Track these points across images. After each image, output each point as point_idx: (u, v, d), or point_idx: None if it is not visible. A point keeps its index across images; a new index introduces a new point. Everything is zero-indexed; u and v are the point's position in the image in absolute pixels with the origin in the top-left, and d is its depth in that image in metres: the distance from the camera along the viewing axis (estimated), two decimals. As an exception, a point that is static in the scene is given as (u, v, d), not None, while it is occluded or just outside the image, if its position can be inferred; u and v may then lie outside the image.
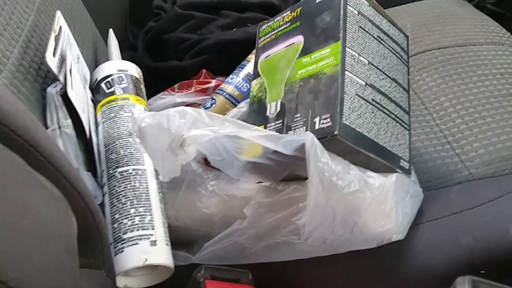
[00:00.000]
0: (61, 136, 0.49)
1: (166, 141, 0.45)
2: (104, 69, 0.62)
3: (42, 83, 0.52)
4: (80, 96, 0.55)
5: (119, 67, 0.62)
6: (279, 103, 0.49)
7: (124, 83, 0.61)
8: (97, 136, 0.58)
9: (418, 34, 0.79)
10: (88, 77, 0.62)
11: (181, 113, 0.45)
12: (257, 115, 0.51)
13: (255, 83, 0.54)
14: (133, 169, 0.53)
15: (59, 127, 0.49)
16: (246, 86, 0.61)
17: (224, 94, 0.60)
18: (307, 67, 0.47)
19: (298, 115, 0.46)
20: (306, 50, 0.49)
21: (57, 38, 0.51)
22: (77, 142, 0.52)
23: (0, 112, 0.30)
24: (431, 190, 0.57)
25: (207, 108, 0.60)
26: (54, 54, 0.50)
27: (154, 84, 0.72)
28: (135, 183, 0.52)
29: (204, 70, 0.67)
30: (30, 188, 0.30)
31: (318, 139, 0.42)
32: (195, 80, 0.66)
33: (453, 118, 0.64)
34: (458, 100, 0.66)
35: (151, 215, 0.51)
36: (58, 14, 0.52)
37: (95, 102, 0.61)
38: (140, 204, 0.51)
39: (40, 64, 0.53)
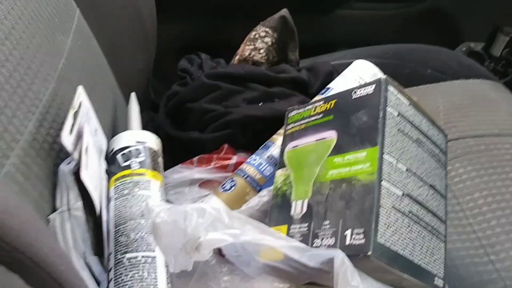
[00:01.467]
0: (70, 219, 0.46)
1: (181, 241, 0.41)
2: (122, 140, 0.59)
3: (55, 158, 0.49)
4: (94, 173, 0.52)
5: (138, 139, 0.59)
6: (305, 203, 0.45)
7: (142, 156, 0.58)
8: (107, 213, 0.55)
9: (452, 119, 0.76)
10: (104, 147, 0.59)
11: (199, 212, 0.41)
12: (281, 211, 0.47)
13: (280, 173, 0.50)
14: (143, 256, 0.50)
15: (69, 209, 0.46)
16: (269, 169, 0.57)
17: (245, 176, 0.57)
18: (339, 169, 0.44)
19: (327, 222, 0.42)
20: (338, 149, 0.45)
21: (75, 115, 0.48)
22: (85, 223, 0.49)
23: (2, 227, 0.27)
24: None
25: (227, 190, 0.56)
26: (71, 131, 0.47)
27: (172, 153, 0.70)
28: (143, 272, 0.49)
29: (226, 145, 0.64)
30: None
31: (349, 256, 0.38)
32: (215, 155, 0.63)
33: (487, 219, 0.60)
34: (493, 198, 0.62)
35: (158, 310, 0.47)
36: (80, 90, 0.50)
37: (109, 173, 0.58)
38: (147, 298, 0.47)
39: (55, 137, 0.50)
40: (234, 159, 0.62)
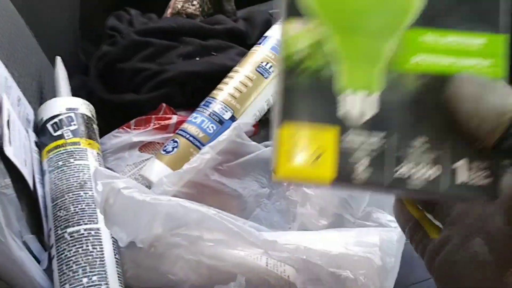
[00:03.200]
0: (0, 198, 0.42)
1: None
2: (51, 108, 0.55)
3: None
4: (21, 147, 0.48)
5: (68, 105, 0.55)
6: (375, 100, 0.27)
7: (74, 125, 0.54)
8: (43, 187, 0.51)
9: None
10: (31, 117, 0.55)
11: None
12: (314, 101, 0.26)
13: (295, 29, 0.26)
14: (85, 229, 0.47)
15: None
16: (212, 127, 0.55)
17: (187, 136, 0.54)
18: (434, 55, 0.27)
19: (422, 139, 0.26)
20: (429, 19, 0.27)
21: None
22: (18, 202, 0.45)
23: None
24: None
25: (169, 152, 0.54)
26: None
27: (107, 117, 0.66)
28: (87, 246, 0.46)
29: (164, 105, 0.61)
30: None
31: (462, 199, 0.27)
32: (153, 116, 0.60)
33: None
34: None
35: (106, 284, 0.45)
36: None
37: (40, 145, 0.54)
38: (93, 271, 0.45)
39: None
40: (174, 119, 0.59)
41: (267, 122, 0.62)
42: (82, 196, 0.49)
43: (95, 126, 0.57)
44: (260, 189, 0.52)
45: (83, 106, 0.56)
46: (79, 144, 0.53)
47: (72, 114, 0.55)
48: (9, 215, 0.44)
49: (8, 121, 0.44)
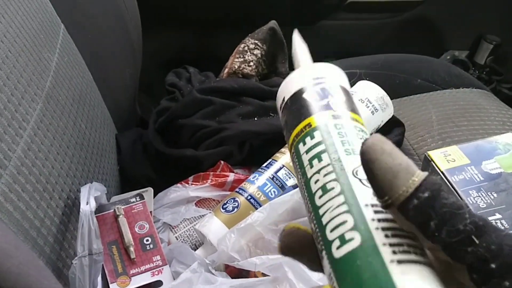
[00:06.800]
0: (90, 263, 0.41)
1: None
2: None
3: (44, 184, 0.46)
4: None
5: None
6: None
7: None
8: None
9: (445, 129, 0.75)
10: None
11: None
12: None
13: None
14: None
15: (89, 254, 0.41)
16: (274, 192, 0.54)
17: (248, 196, 0.54)
18: None
19: None
20: None
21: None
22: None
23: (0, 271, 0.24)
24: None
25: (229, 212, 0.54)
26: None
27: (164, 170, 0.67)
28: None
29: (222, 162, 0.61)
30: None
31: None
32: (211, 173, 0.60)
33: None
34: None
35: None
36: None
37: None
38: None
39: (45, 160, 0.47)
40: (232, 177, 0.60)
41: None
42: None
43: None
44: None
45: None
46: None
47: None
48: (95, 281, 0.43)
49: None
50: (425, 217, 0.18)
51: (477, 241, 0.18)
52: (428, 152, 0.54)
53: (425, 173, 0.19)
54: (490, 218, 0.46)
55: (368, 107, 0.62)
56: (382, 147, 0.19)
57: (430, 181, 0.19)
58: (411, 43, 1.18)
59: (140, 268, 0.44)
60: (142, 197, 0.52)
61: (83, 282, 0.39)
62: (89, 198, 0.44)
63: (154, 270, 0.44)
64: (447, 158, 0.52)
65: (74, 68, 0.62)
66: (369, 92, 0.63)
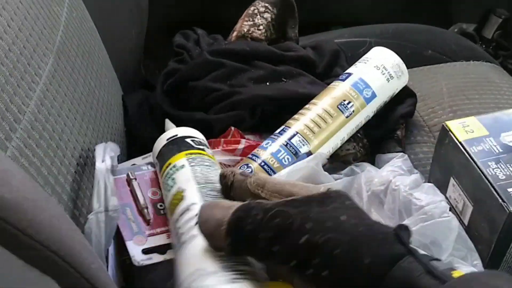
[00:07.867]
0: (106, 219, 0.40)
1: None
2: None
3: (58, 140, 0.45)
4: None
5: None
6: None
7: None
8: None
9: (457, 101, 0.74)
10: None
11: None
12: None
13: None
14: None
15: (106, 210, 0.41)
16: (288, 159, 0.53)
17: (261, 163, 0.53)
18: None
19: None
20: None
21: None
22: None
23: (33, 224, 0.23)
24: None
25: (241, 176, 0.53)
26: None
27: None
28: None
29: (232, 128, 0.60)
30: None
31: None
32: (223, 139, 0.59)
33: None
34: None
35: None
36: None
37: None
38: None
39: (57, 117, 0.46)
40: (243, 143, 0.58)
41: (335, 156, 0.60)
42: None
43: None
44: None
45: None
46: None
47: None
48: (109, 236, 0.42)
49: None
50: None
51: None
52: (446, 122, 0.53)
53: None
54: (508, 190, 0.46)
55: (383, 74, 0.61)
56: None
57: None
58: (418, 14, 1.16)
59: (156, 230, 0.43)
60: (153, 165, 0.51)
61: (99, 238, 0.38)
62: (104, 156, 0.43)
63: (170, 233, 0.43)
64: (466, 129, 0.51)
65: (82, 25, 0.60)
66: (385, 58, 0.62)
